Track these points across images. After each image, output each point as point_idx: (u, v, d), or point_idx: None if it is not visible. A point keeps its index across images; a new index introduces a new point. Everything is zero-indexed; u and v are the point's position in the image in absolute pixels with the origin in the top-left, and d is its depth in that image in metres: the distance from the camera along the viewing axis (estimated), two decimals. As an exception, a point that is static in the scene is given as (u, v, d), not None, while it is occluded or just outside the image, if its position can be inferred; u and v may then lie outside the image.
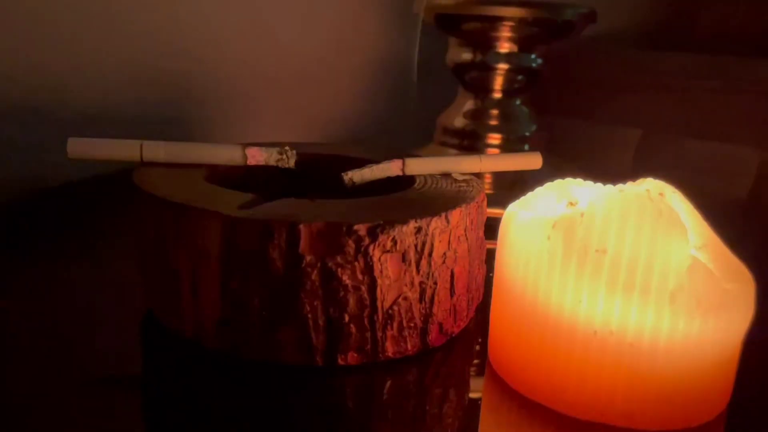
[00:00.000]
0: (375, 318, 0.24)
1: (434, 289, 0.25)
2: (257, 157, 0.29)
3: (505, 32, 0.46)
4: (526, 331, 0.22)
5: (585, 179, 0.24)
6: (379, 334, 0.24)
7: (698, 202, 0.23)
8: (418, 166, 0.30)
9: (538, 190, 0.25)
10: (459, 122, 0.50)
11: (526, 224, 0.23)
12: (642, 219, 0.20)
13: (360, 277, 0.23)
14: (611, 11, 0.57)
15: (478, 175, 0.32)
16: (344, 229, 0.23)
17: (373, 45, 0.70)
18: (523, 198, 0.25)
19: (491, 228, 0.27)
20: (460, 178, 0.30)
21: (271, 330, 0.24)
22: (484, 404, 0.24)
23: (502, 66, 0.48)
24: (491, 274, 0.26)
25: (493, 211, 0.33)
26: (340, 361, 0.24)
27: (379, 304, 0.24)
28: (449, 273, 0.26)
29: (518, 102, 0.50)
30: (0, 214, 0.40)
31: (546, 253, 0.21)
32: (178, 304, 0.25)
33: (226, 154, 0.29)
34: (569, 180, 0.24)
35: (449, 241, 0.25)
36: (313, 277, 0.23)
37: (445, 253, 0.25)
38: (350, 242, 0.23)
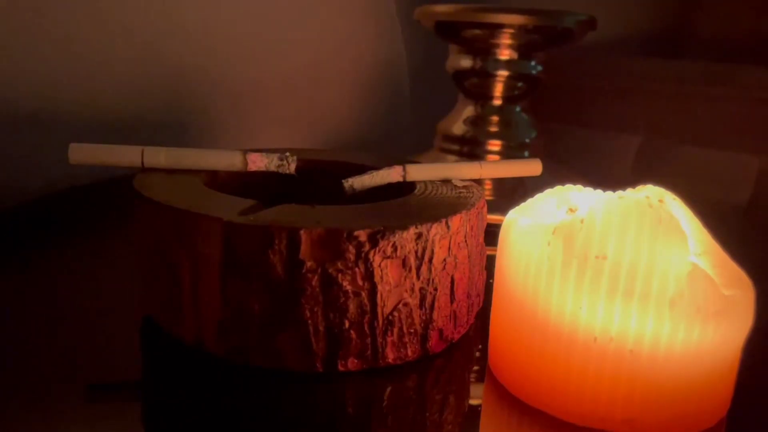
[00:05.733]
0: (375, 324, 0.24)
1: (434, 295, 0.25)
2: (258, 162, 0.29)
3: (505, 39, 0.46)
4: (526, 337, 0.22)
5: (585, 186, 0.24)
6: (380, 340, 0.24)
7: (698, 209, 0.23)
8: (419, 172, 0.30)
9: (538, 196, 0.25)
10: (459, 129, 0.50)
11: (526, 230, 0.23)
12: (642, 226, 0.20)
13: (360, 283, 0.23)
14: (611, 19, 0.57)
15: (479, 182, 0.32)
16: (345, 235, 0.23)
17: (373, 51, 0.70)
18: (523, 204, 0.25)
19: (491, 234, 0.27)
20: (461, 184, 0.30)
21: (271, 336, 0.24)
22: (484, 410, 0.24)
23: (502, 73, 0.48)
24: (491, 281, 0.26)
25: (493, 218, 0.33)
26: (341, 367, 0.24)
27: (379, 310, 0.24)
28: (449, 279, 0.26)
29: (518, 109, 0.50)
30: (1, 218, 0.40)
31: (546, 259, 0.21)
32: (179, 309, 0.25)
33: (226, 160, 0.29)
34: (569, 186, 0.25)
35: (449, 247, 0.25)
36: (314, 283, 0.23)
37: (445, 259, 0.25)
38: (351, 248, 0.23)
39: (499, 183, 0.46)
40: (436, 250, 0.25)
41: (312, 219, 0.23)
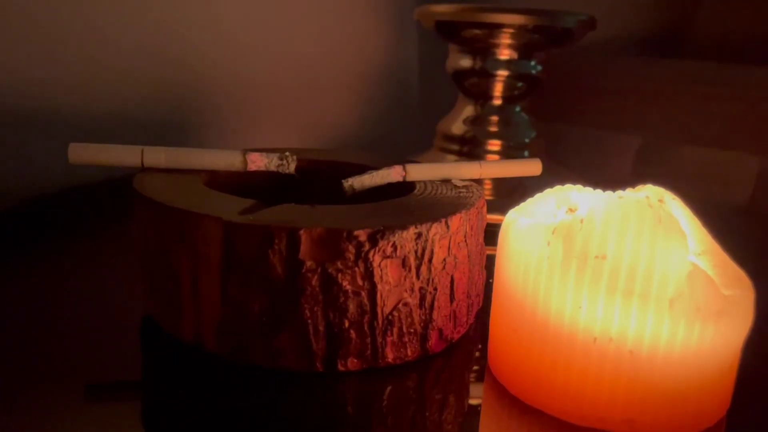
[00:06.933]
0: (375, 324, 0.24)
1: (434, 294, 0.25)
2: (258, 162, 0.29)
3: (504, 39, 0.46)
4: (525, 337, 0.22)
5: (584, 186, 0.24)
6: (379, 339, 0.24)
7: (698, 209, 0.23)
8: (419, 172, 0.30)
9: (538, 196, 0.25)
10: (459, 129, 0.50)
11: (526, 230, 0.23)
12: (641, 225, 0.20)
13: (360, 282, 0.23)
14: (610, 18, 0.57)
15: (478, 182, 0.32)
16: (344, 234, 0.23)
17: (374, 51, 0.70)
18: (522, 204, 0.25)
19: (491, 234, 0.27)
20: (460, 184, 0.30)
21: (271, 335, 0.24)
22: (483, 410, 0.24)
23: (502, 73, 0.48)
24: (491, 280, 0.26)
25: (493, 217, 0.33)
26: (340, 367, 0.24)
27: (379, 309, 0.24)
28: (449, 279, 0.26)
29: (518, 108, 0.50)
30: (1, 219, 0.40)
31: (546, 259, 0.21)
32: (179, 309, 0.25)
33: (226, 160, 0.29)
34: (569, 186, 0.25)
35: (449, 247, 0.25)
36: (314, 282, 0.23)
37: (445, 259, 0.25)
38: (350, 248, 0.23)
39: (499, 183, 0.46)
40: (436, 249, 0.25)
41: (312, 219, 0.23)
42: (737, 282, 0.21)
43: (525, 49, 0.47)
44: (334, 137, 0.67)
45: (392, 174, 0.30)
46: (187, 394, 0.23)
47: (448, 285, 0.26)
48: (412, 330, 0.25)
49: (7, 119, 0.41)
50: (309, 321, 0.23)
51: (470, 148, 0.49)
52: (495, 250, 0.25)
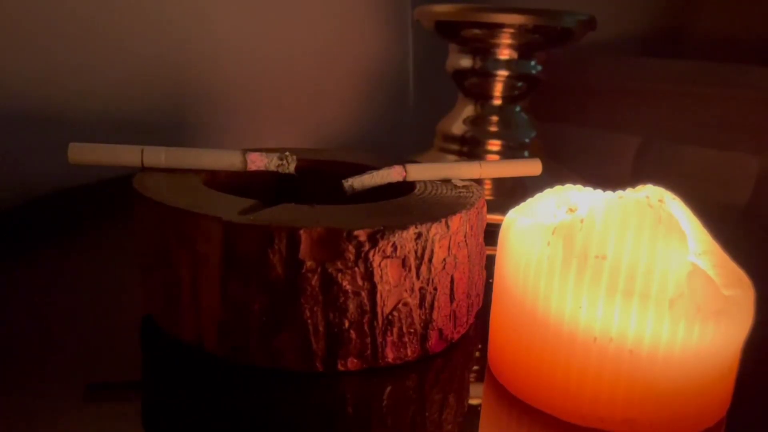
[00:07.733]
0: (375, 324, 0.24)
1: (434, 294, 0.25)
2: (258, 162, 0.29)
3: (504, 39, 0.46)
4: (525, 337, 0.22)
5: (584, 186, 0.24)
6: (379, 339, 0.24)
7: (698, 209, 0.23)
8: (419, 172, 0.30)
9: (538, 196, 0.25)
10: (459, 129, 0.50)
11: (526, 230, 0.23)
12: (641, 225, 0.20)
13: (360, 282, 0.23)
14: (611, 19, 0.57)
15: (478, 182, 0.32)
16: (344, 234, 0.23)
17: (371, 51, 0.70)
18: (522, 204, 0.25)
19: (491, 234, 0.27)
20: (460, 184, 0.30)
21: (271, 335, 0.24)
22: (483, 410, 0.24)
23: (502, 72, 0.48)
24: (491, 280, 0.26)
25: (493, 217, 0.33)
26: (340, 367, 0.24)
27: (379, 309, 0.24)
28: (449, 279, 0.26)
29: (518, 108, 0.50)
30: (1, 219, 0.40)
31: (546, 259, 0.21)
32: (178, 309, 0.25)
33: (226, 160, 0.29)
34: (569, 186, 0.25)
35: (449, 247, 0.25)
36: (313, 282, 0.23)
37: (445, 259, 0.25)
38: (350, 248, 0.23)
39: (499, 183, 0.46)
40: (436, 249, 0.25)
41: (312, 218, 0.23)
42: (737, 282, 0.21)
43: (525, 49, 0.47)
44: (333, 137, 0.67)
45: (392, 174, 0.30)
46: (187, 394, 0.23)
47: (448, 285, 0.26)
48: (412, 330, 0.25)
49: (6, 119, 0.41)
50: (309, 321, 0.23)
51: (470, 148, 0.49)
52: (495, 250, 0.25)
